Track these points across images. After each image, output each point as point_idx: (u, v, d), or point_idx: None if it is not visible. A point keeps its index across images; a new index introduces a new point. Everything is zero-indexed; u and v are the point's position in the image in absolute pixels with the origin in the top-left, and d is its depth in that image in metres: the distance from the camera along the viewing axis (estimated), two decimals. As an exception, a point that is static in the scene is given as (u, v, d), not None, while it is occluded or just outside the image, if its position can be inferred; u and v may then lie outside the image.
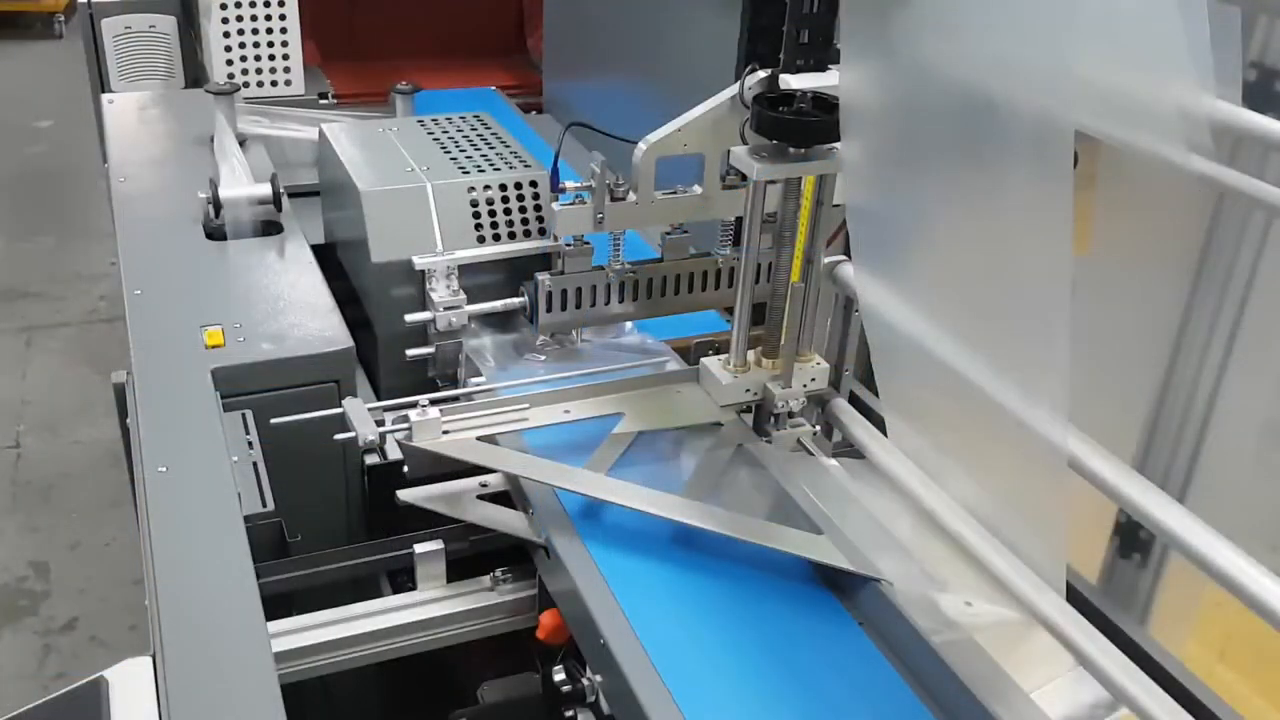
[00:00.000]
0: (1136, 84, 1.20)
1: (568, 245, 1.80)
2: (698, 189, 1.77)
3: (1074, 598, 1.32)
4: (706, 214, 1.81)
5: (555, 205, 1.73)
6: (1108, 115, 1.21)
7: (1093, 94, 1.15)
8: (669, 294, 1.89)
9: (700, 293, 1.90)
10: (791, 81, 1.52)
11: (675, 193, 1.77)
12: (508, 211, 1.92)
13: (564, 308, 1.83)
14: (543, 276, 1.81)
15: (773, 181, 1.55)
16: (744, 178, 1.55)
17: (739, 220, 1.83)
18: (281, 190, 2.13)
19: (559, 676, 1.44)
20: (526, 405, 1.64)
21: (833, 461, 1.65)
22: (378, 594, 1.59)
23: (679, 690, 1.25)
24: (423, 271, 1.84)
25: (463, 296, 1.84)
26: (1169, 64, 1.17)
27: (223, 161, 2.23)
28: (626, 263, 1.83)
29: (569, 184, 1.73)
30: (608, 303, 1.85)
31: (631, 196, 1.72)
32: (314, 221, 2.21)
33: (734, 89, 1.58)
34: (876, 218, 1.47)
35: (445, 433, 1.55)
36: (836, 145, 1.50)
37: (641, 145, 1.65)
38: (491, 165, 1.98)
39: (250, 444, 1.61)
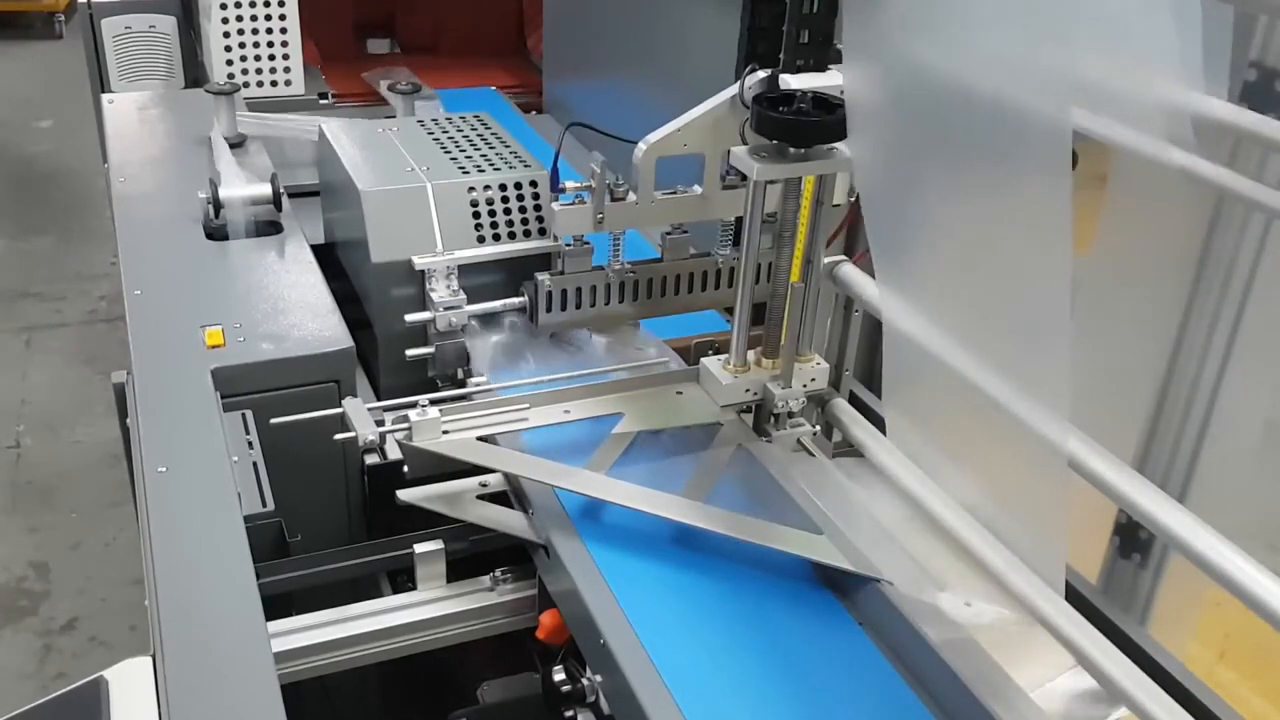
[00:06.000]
0: (1124, 77, 1.20)
1: (568, 245, 1.80)
2: (698, 189, 1.77)
3: (1074, 598, 1.32)
4: (706, 214, 1.81)
5: (555, 205, 1.73)
6: (1096, 108, 1.21)
7: (1085, 88, 1.15)
8: (669, 294, 1.89)
9: (700, 293, 1.90)
10: (791, 81, 1.52)
11: (675, 193, 1.77)
12: (508, 211, 1.92)
13: (564, 308, 1.83)
14: (543, 276, 1.81)
15: (773, 181, 1.55)
16: (744, 178, 1.55)
17: (739, 220, 1.83)
18: (281, 190, 2.13)
19: (559, 676, 1.44)
20: (526, 405, 1.64)
21: (833, 461, 1.65)
22: (378, 594, 1.59)
23: (679, 690, 1.25)
24: (423, 271, 1.84)
25: (463, 296, 1.84)
26: (1157, 57, 1.17)
27: (222, 162, 2.23)
28: (626, 263, 1.83)
29: (569, 184, 1.73)
30: (608, 303, 1.85)
31: (631, 197, 1.72)
32: (314, 221, 2.21)
33: (734, 89, 1.58)
34: (888, 216, 1.47)
35: (445, 433, 1.55)
36: (836, 145, 1.50)
37: (641, 145, 1.65)
38: (491, 165, 1.98)
39: (250, 444, 1.61)
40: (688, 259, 1.87)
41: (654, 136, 1.64)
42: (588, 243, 1.81)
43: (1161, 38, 1.16)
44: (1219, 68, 1.20)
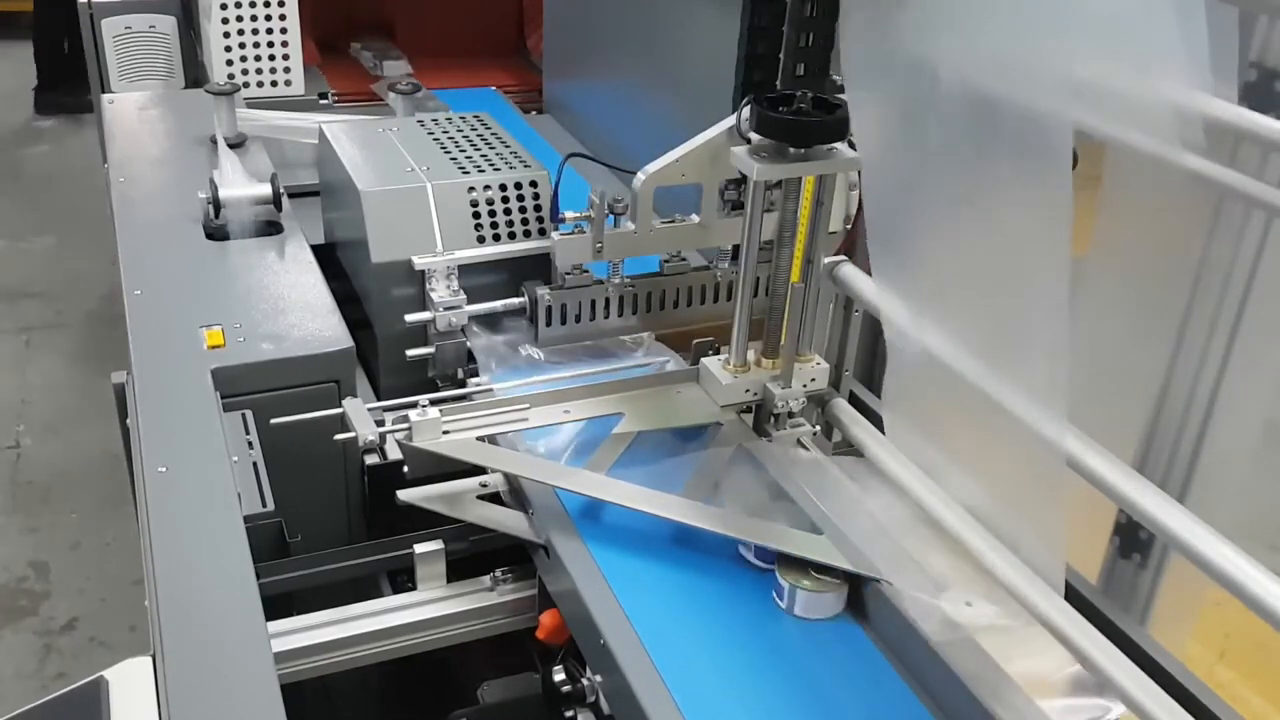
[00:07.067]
0: (1132, 81, 1.20)
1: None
2: (695, 218, 1.79)
3: (1074, 598, 1.32)
4: (705, 242, 1.85)
5: (555, 235, 1.75)
6: (1104, 112, 1.21)
7: (1089, 91, 1.15)
8: (668, 308, 1.90)
9: (700, 306, 1.91)
10: (791, 82, 1.53)
11: (674, 221, 1.78)
12: (508, 211, 1.92)
13: (564, 322, 1.84)
14: (542, 291, 1.81)
15: (773, 185, 1.56)
16: (744, 183, 1.55)
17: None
18: (281, 190, 2.13)
19: (559, 676, 1.45)
20: (526, 405, 1.64)
21: (833, 461, 1.65)
22: (378, 594, 1.59)
23: (679, 690, 1.25)
24: (423, 271, 1.84)
25: (463, 296, 1.84)
26: (1164, 61, 1.17)
27: (223, 162, 2.23)
28: (626, 277, 1.84)
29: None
30: (607, 317, 1.86)
31: (629, 225, 1.74)
32: (314, 221, 2.21)
33: (732, 120, 1.59)
34: (889, 215, 1.47)
35: (445, 433, 1.55)
36: (836, 145, 1.50)
37: (640, 175, 1.68)
38: (491, 165, 1.98)
39: (250, 444, 1.61)
40: (687, 273, 1.88)
41: (653, 167, 1.67)
42: (588, 256, 1.82)
43: (1167, 39, 1.16)
44: (1227, 69, 1.20)
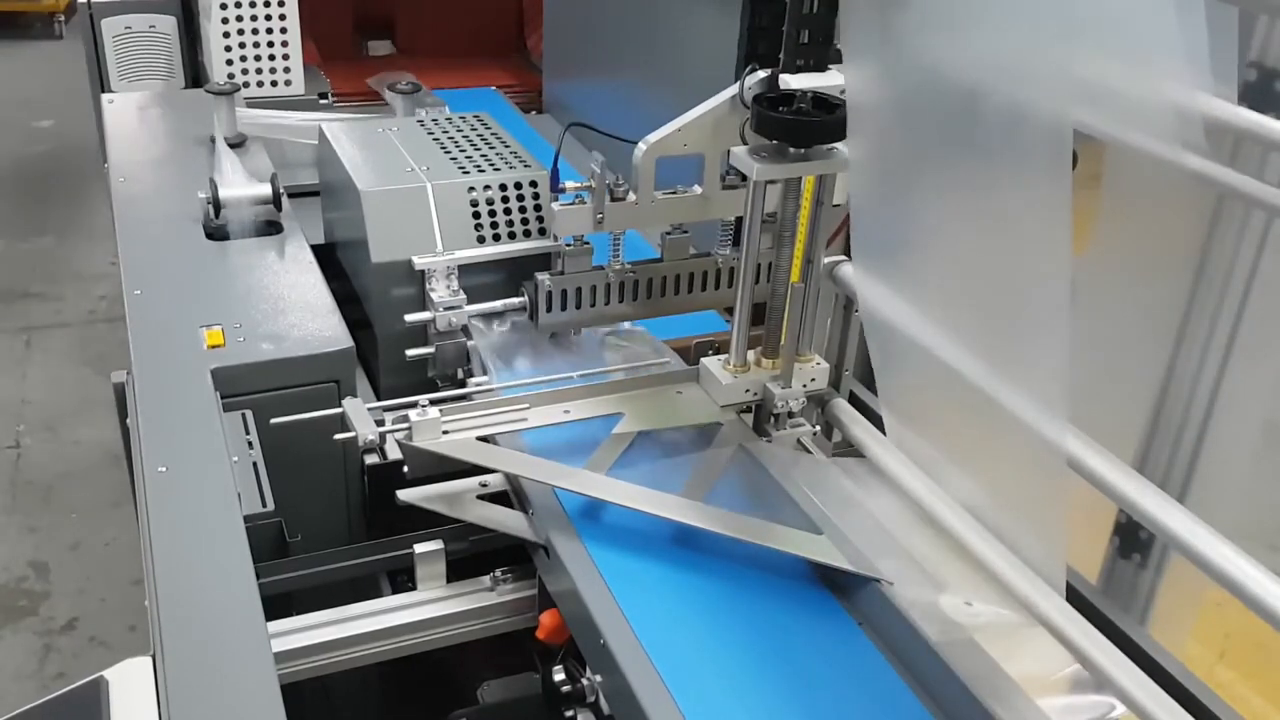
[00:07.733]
0: (1132, 81, 1.20)
1: (568, 245, 1.80)
2: (698, 189, 1.77)
3: (1074, 598, 1.32)
4: (706, 214, 1.81)
5: (555, 205, 1.74)
6: (1104, 112, 1.21)
7: (1089, 91, 1.15)
8: (669, 294, 1.89)
9: (700, 293, 1.90)
10: (791, 81, 1.52)
11: (675, 193, 1.77)
12: (508, 211, 1.92)
13: (564, 308, 1.83)
14: (543, 276, 1.81)
15: (773, 181, 1.55)
16: (744, 178, 1.55)
17: (739, 220, 1.83)
18: (281, 190, 2.13)
19: (559, 676, 1.45)
20: (526, 405, 1.64)
21: (833, 461, 1.65)
22: (378, 594, 1.59)
23: (679, 690, 1.25)
24: (423, 271, 1.84)
25: (463, 296, 1.84)
26: (1164, 61, 1.17)
27: (223, 162, 2.23)
28: (626, 263, 1.83)
29: (569, 184, 1.73)
30: (608, 303, 1.85)
31: (631, 197, 1.72)
32: (314, 221, 2.21)
33: (734, 89, 1.58)
34: (879, 216, 1.47)
35: (445, 433, 1.55)
36: (836, 145, 1.50)
37: (641, 145, 1.65)
38: (491, 165, 1.98)
39: (250, 444, 1.61)
40: (688, 259, 1.87)
41: (654, 136, 1.64)
42: (588, 243, 1.81)
43: (1168, 40, 1.16)
44: (1227, 69, 1.20)
